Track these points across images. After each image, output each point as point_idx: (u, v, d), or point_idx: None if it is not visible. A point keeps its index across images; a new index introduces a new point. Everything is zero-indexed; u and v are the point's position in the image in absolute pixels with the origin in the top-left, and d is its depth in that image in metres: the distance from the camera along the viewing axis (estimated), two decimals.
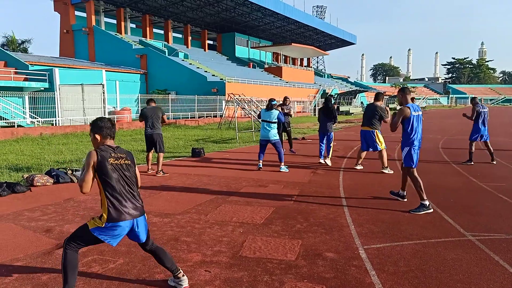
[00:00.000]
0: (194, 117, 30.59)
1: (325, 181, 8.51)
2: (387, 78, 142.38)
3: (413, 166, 6.28)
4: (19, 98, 22.17)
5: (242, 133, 19.45)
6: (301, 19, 62.05)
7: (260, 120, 10.29)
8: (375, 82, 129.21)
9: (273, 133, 9.84)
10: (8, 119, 20.34)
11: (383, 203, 6.63)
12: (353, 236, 4.99)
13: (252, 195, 7.22)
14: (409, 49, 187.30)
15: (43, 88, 23.87)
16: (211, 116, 32.27)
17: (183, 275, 3.64)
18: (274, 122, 9.87)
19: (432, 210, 6.07)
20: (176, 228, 5.31)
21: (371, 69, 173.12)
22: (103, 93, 24.14)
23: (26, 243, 4.75)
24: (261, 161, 10.12)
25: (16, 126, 19.50)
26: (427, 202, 6.08)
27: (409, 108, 6.22)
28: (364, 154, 10.04)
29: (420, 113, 6.37)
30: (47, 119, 21.81)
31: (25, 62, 26.27)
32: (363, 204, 6.54)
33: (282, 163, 9.89)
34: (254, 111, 22.92)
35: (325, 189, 7.75)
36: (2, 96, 19.94)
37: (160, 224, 5.49)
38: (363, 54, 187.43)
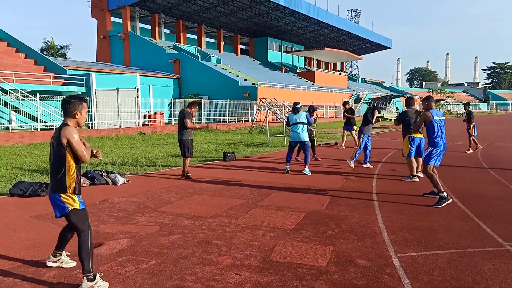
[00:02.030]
0: (226, 122, 30.82)
1: (358, 187, 8.39)
2: (424, 83, 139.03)
3: (430, 163, 6.91)
4: (57, 102, 22.99)
5: (273, 137, 19.45)
6: (334, 23, 61.57)
7: (289, 126, 10.36)
8: (411, 87, 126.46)
9: (305, 135, 10.03)
10: (47, 122, 21.12)
11: (419, 210, 6.47)
12: (386, 243, 4.89)
13: (283, 200, 7.20)
14: (447, 53, 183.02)
15: (80, 92, 24.64)
16: (242, 121, 32.44)
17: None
18: (304, 123, 10.01)
19: (451, 199, 6.78)
20: (207, 231, 5.36)
21: (407, 74, 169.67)
22: (137, 97, 24.71)
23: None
24: (288, 164, 10.27)
25: (54, 129, 20.17)
26: (445, 194, 6.74)
27: (431, 113, 7.00)
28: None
29: (443, 117, 7.13)
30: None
31: (64, 67, 27.22)
32: (397, 211, 6.39)
33: (306, 166, 10.00)
34: (286, 116, 22.89)
35: (357, 195, 7.63)
36: (42, 100, 20.74)
37: (192, 226, 5.55)
38: (398, 59, 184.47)
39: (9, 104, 20.50)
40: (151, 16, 48.96)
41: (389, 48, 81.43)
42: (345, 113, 16.31)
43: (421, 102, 7.52)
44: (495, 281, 3.82)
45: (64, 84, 25.17)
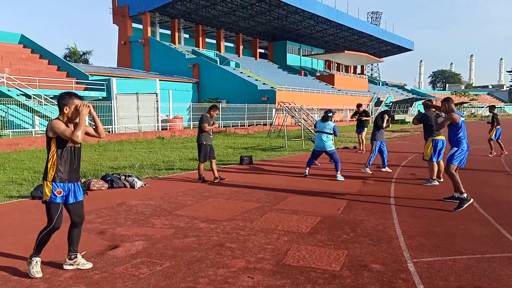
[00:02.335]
0: (244, 125, 30.91)
1: (376, 191, 8.30)
2: (447, 85, 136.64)
3: (454, 163, 6.89)
4: None
5: (291, 141, 19.41)
6: (354, 25, 61.23)
7: (315, 131, 10.35)
8: (434, 90, 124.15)
9: (329, 144, 9.92)
10: None
11: (437, 215, 6.36)
12: (402, 248, 4.82)
13: (298, 204, 7.17)
14: (471, 55, 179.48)
15: (101, 97, 25.12)
16: (260, 124, 32.48)
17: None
18: (330, 133, 9.94)
19: (472, 200, 6.72)
20: (221, 234, 5.39)
21: (429, 76, 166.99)
22: (157, 101, 25.05)
23: (80, 244, 4.96)
24: (308, 169, 10.21)
25: None
26: (465, 195, 6.69)
27: (457, 114, 6.98)
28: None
29: (463, 118, 7.17)
30: (105, 126, 22.91)
31: (86, 73, 27.80)
32: (415, 216, 6.30)
33: (338, 172, 9.84)
34: (304, 120, 22.81)
35: (375, 199, 7.54)
36: None
37: (207, 229, 5.59)
38: (421, 61, 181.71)
39: (32, 109, 21.03)
40: (171, 22, 49.65)
41: (411, 50, 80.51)
42: (356, 116, 15.97)
43: (441, 104, 7.35)
44: None
45: (85, 89, 25.70)
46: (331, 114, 10.13)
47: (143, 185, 8.68)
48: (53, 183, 3.96)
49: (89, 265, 4.26)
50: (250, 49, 61.44)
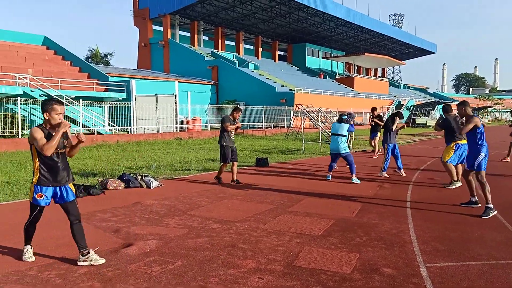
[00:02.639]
0: (261, 128, 30.93)
1: (392, 195, 8.22)
2: (471, 89, 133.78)
3: (484, 170, 6.70)
4: (99, 107, 23.92)
5: (308, 144, 19.35)
6: (375, 28, 60.60)
7: (331, 133, 10.36)
8: (457, 93, 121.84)
9: (343, 147, 9.89)
10: (89, 127, 21.99)
11: (453, 220, 6.26)
12: (416, 253, 4.77)
13: (313, 206, 7.15)
14: (496, 59, 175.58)
15: (121, 98, 25.51)
16: (278, 127, 32.46)
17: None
18: (344, 135, 9.91)
19: (496, 211, 6.52)
20: (234, 235, 5.42)
21: (453, 80, 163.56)
22: (175, 103, 25.28)
23: (96, 241, 5.09)
24: (330, 173, 10.21)
25: (96, 134, 21.05)
26: (491, 205, 6.52)
27: (477, 117, 6.80)
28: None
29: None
30: (124, 127, 23.29)
31: (106, 74, 28.26)
32: (430, 220, 6.22)
33: (354, 175, 9.78)
34: (322, 122, 22.72)
35: (390, 203, 7.47)
36: (85, 106, 21.63)
37: (219, 230, 5.63)
38: (444, 64, 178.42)
39: None
40: (191, 24, 50.09)
41: (434, 53, 79.18)
42: (374, 120, 15.65)
43: (457, 108, 7.23)
44: None
45: (106, 90, 26.12)
46: (345, 117, 10.10)
47: (159, 185, 8.79)
48: (36, 186, 4.17)
49: (102, 261, 4.35)
50: (269, 51, 61.50)
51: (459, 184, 8.92)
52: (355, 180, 9.67)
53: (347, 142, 10.34)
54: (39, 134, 4.06)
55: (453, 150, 8.71)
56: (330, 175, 10.17)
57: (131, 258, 4.52)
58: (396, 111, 11.99)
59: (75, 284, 3.83)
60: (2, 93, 20.32)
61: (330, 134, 14.03)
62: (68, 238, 5.15)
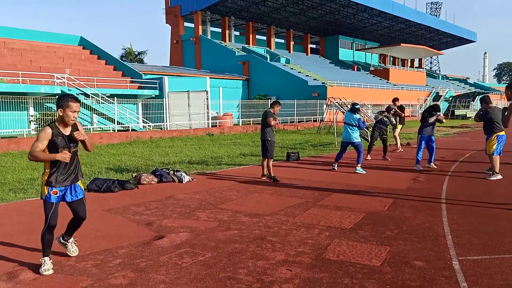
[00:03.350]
0: (293, 122, 30.80)
1: (426, 188, 8.03)
2: None
3: None
4: (133, 104, 24.50)
5: (341, 137, 19.09)
6: (411, 17, 58.80)
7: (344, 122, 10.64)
8: (499, 83, 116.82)
9: (355, 136, 10.20)
10: (124, 124, 22.60)
11: (490, 213, 6.07)
12: (449, 246, 4.66)
13: (343, 200, 7.10)
14: None
15: (154, 95, 26.05)
16: (310, 121, 32.22)
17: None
18: (354, 125, 10.17)
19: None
20: (263, 228, 5.46)
21: (494, 69, 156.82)
22: (207, 99, 25.54)
23: (130, 234, 5.27)
24: (336, 163, 10.53)
25: (130, 130, 21.62)
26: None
27: None
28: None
29: None
30: (157, 123, 23.77)
31: (140, 72, 28.91)
32: (465, 214, 6.05)
33: (359, 165, 10.08)
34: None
35: (424, 196, 7.31)
36: (119, 103, 22.24)
37: (249, 223, 5.68)
38: (485, 53, 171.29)
39: (91, 107, 22.22)
40: (222, 20, 50.31)
41: (474, 41, 76.08)
42: (395, 110, 14.17)
43: (505, 91, 6.73)
44: None
45: (139, 88, 26.73)
46: (358, 106, 10.42)
47: (191, 179, 8.94)
48: (50, 188, 4.04)
49: (75, 254, 4.50)
50: (301, 45, 60.94)
51: (499, 176, 8.73)
52: (359, 169, 9.89)
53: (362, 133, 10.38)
54: (43, 136, 3.92)
55: (494, 141, 8.60)
56: (336, 165, 10.46)
57: (163, 249, 4.65)
58: (434, 103, 11.58)
59: (110, 274, 3.98)
60: (42, 92, 21.18)
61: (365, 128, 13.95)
62: (106, 231, 5.36)
